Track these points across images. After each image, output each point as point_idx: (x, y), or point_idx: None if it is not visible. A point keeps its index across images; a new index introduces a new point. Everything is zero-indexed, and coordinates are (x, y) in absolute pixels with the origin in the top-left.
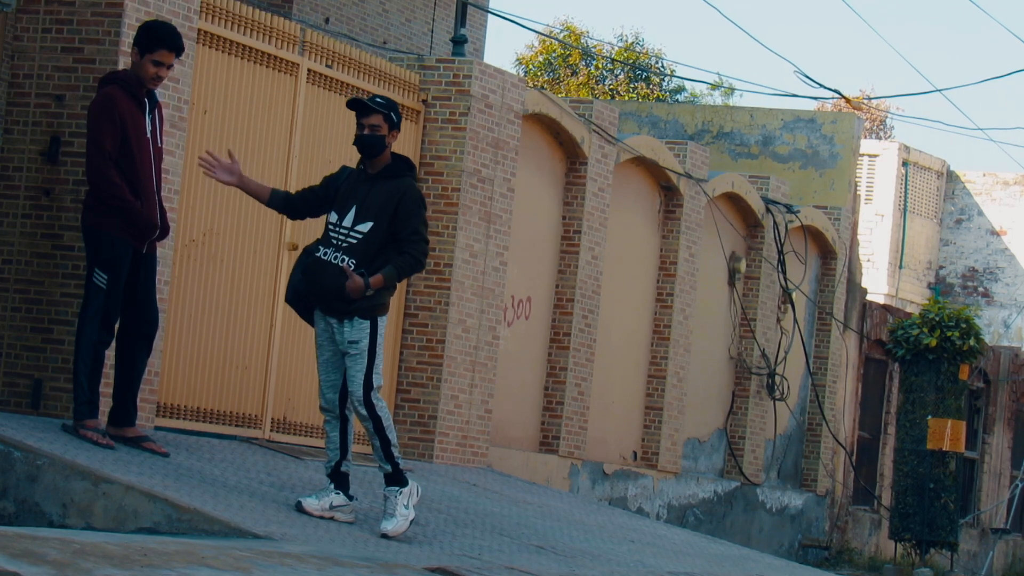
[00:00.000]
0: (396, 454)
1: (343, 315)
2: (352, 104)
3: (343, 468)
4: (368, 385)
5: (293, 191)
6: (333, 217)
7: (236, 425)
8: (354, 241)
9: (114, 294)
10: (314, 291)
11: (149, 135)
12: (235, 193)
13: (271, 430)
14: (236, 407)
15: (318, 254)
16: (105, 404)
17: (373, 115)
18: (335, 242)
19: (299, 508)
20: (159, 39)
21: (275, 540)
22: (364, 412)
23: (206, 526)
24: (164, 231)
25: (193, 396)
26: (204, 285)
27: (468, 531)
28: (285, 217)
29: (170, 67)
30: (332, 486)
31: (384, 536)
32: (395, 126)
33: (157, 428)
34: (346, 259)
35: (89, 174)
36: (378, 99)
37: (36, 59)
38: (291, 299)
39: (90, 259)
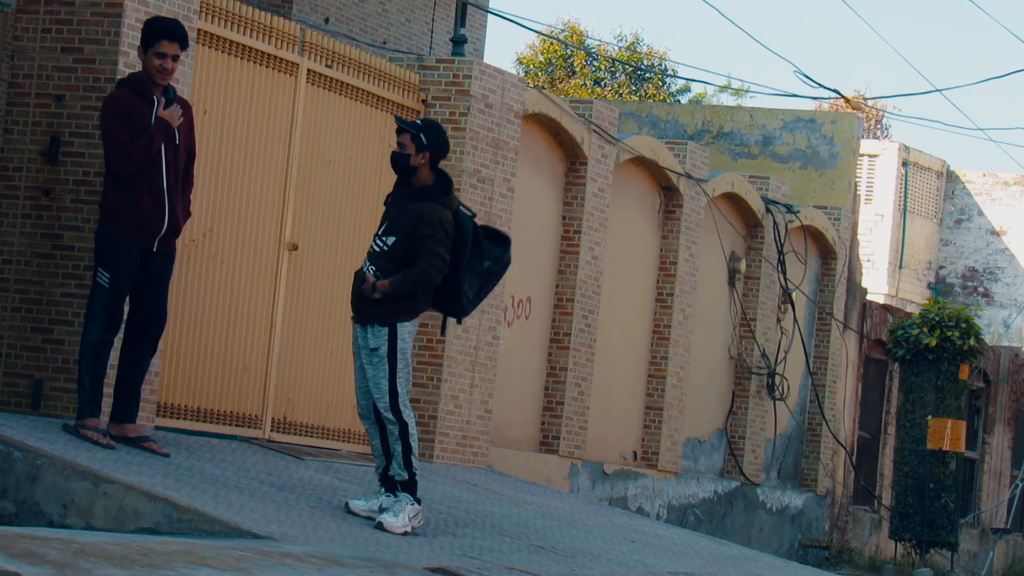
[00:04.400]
0: (415, 463)
1: (364, 321)
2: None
3: (390, 472)
4: (393, 392)
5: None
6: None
7: (236, 425)
8: (377, 250)
9: (117, 294)
10: (352, 298)
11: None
12: (235, 193)
13: (271, 430)
14: (236, 407)
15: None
16: (107, 403)
17: (402, 134)
18: (371, 252)
19: (348, 509)
20: (157, 31)
21: (275, 540)
22: (391, 416)
23: (206, 526)
24: (173, 230)
25: (193, 396)
26: (204, 285)
27: (468, 531)
28: (285, 218)
29: (175, 58)
30: (383, 490)
31: (379, 525)
32: (425, 148)
33: (157, 428)
34: (371, 266)
35: (110, 161)
36: (417, 121)
37: (36, 59)
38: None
39: (95, 258)
